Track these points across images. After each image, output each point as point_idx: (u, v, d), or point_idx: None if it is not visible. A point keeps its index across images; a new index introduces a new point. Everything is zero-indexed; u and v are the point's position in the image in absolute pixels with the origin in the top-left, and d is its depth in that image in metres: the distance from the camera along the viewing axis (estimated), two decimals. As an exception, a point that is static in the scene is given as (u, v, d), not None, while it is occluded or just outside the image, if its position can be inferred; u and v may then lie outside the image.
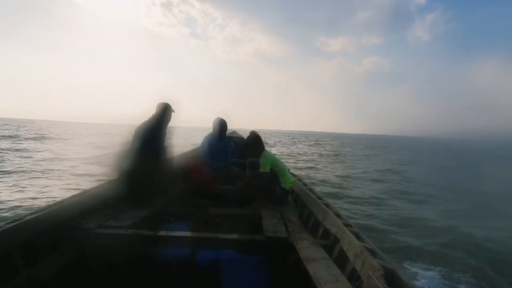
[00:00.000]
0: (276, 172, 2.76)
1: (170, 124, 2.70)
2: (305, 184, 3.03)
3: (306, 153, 21.91)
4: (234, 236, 1.87)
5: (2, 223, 1.40)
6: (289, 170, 3.26)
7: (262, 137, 2.95)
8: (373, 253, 1.35)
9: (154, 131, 2.53)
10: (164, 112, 2.63)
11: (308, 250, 1.68)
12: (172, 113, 2.69)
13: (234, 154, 5.03)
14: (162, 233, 1.86)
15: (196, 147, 4.80)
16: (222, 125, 3.60)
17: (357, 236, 1.57)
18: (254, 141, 2.87)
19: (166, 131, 2.67)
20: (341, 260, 1.59)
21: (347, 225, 1.76)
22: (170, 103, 2.70)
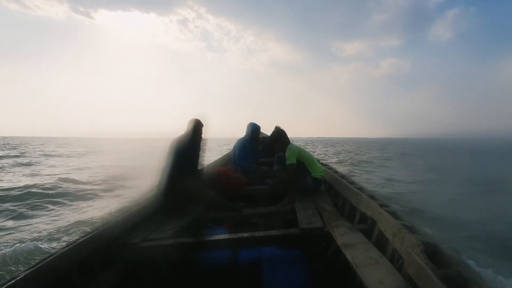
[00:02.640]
0: (304, 162, 2.71)
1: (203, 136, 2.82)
2: (336, 172, 2.94)
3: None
4: (270, 233, 1.87)
5: (59, 247, 1.56)
6: (318, 160, 3.19)
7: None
8: (412, 230, 1.26)
9: (188, 146, 2.65)
10: (196, 128, 2.74)
11: (345, 236, 1.62)
12: (202, 128, 2.79)
13: (262, 154, 5.08)
14: (202, 238, 1.93)
15: (222, 155, 4.97)
16: (254, 130, 3.74)
17: (394, 215, 1.48)
18: (278, 135, 2.85)
19: (201, 145, 2.79)
20: (380, 242, 1.51)
21: (382, 205, 1.66)
22: (200, 118, 2.81)
